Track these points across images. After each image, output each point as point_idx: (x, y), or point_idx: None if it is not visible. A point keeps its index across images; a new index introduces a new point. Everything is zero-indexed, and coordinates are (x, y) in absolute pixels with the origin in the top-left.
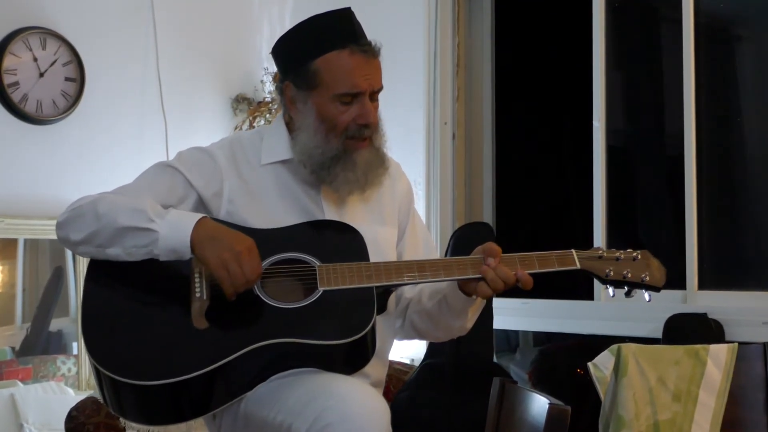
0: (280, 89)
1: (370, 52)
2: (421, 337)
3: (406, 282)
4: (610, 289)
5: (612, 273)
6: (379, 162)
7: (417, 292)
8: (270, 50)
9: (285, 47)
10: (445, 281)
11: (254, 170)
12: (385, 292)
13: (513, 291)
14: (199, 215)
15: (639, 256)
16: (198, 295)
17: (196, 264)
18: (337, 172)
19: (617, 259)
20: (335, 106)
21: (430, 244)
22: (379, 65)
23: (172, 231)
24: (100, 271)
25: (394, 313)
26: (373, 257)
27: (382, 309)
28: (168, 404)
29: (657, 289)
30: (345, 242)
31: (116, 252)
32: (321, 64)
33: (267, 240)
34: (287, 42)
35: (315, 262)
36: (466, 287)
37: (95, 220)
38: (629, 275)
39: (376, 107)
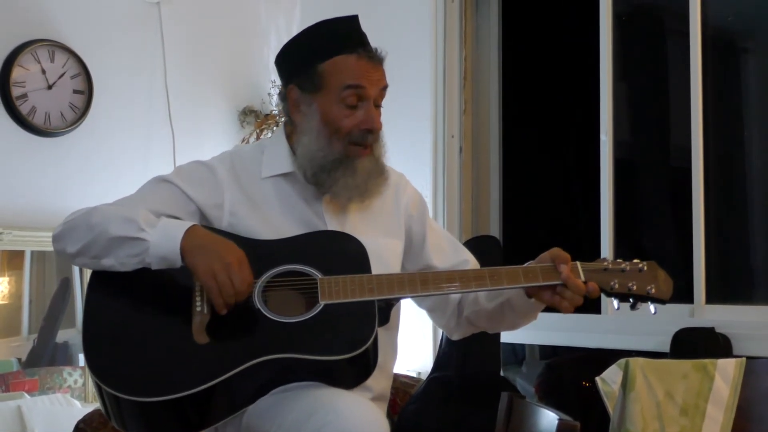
0: (283, 94)
1: (375, 58)
2: (480, 330)
3: (407, 296)
4: (615, 302)
5: (617, 285)
6: (379, 172)
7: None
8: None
9: (292, 51)
10: (458, 293)
11: (255, 183)
12: (388, 304)
13: None
14: (190, 223)
15: (645, 268)
16: (199, 309)
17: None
18: (338, 176)
19: (623, 270)
20: (340, 109)
21: (457, 245)
22: (383, 71)
23: (163, 239)
24: (102, 285)
25: (446, 315)
26: (376, 269)
27: (384, 321)
28: (169, 419)
29: (663, 302)
30: (347, 253)
31: (110, 262)
32: (328, 66)
33: (268, 251)
34: (294, 46)
35: (317, 274)
36: (534, 293)
37: (88, 231)
38: (634, 288)
39: (379, 114)
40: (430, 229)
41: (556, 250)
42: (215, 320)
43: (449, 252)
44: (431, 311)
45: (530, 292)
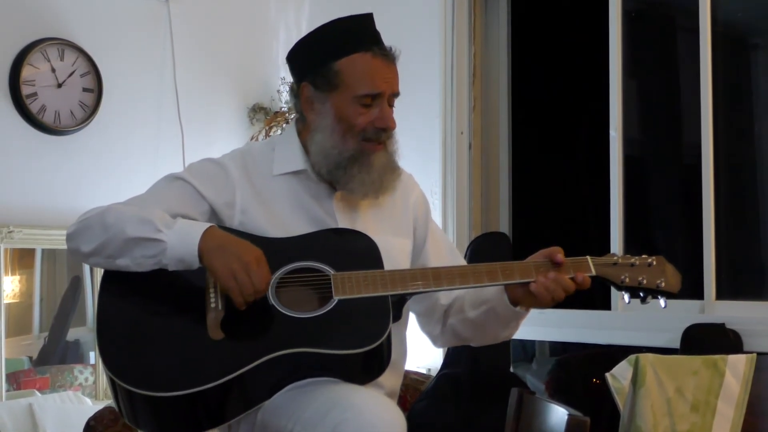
0: (296, 91)
1: (390, 56)
2: (463, 342)
3: (420, 290)
4: (626, 296)
5: (627, 279)
6: (393, 167)
7: (455, 300)
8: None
9: (306, 48)
10: (469, 288)
11: (266, 181)
12: (401, 300)
13: None
14: (207, 224)
15: (654, 262)
16: (213, 305)
17: (210, 274)
18: (354, 173)
19: (632, 265)
20: (355, 108)
21: (454, 250)
22: (396, 71)
23: (180, 241)
24: (115, 282)
25: (432, 320)
26: (386, 267)
27: (397, 317)
28: (183, 415)
29: (672, 295)
30: (359, 250)
31: (125, 262)
32: (343, 65)
33: (281, 249)
34: (308, 43)
35: (329, 270)
36: (516, 296)
37: (103, 231)
38: (644, 281)
39: (392, 113)
40: (431, 233)
41: (552, 250)
42: (230, 316)
43: (447, 257)
44: (420, 315)
45: (513, 297)
